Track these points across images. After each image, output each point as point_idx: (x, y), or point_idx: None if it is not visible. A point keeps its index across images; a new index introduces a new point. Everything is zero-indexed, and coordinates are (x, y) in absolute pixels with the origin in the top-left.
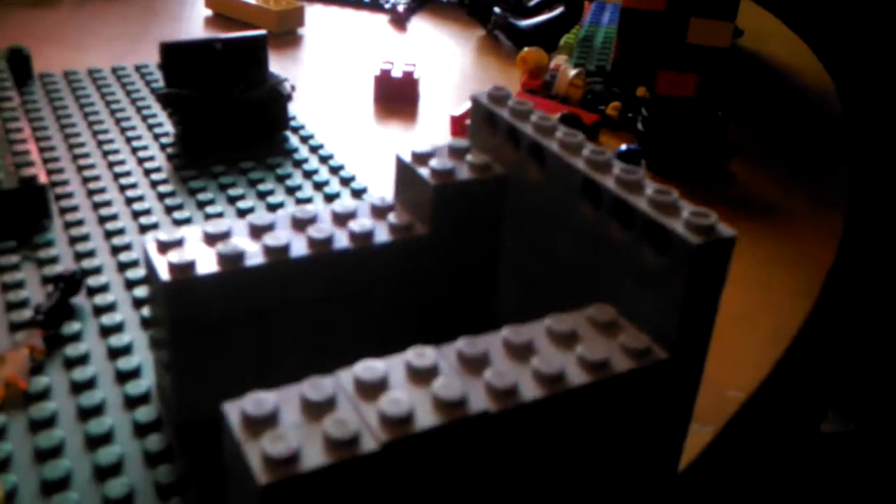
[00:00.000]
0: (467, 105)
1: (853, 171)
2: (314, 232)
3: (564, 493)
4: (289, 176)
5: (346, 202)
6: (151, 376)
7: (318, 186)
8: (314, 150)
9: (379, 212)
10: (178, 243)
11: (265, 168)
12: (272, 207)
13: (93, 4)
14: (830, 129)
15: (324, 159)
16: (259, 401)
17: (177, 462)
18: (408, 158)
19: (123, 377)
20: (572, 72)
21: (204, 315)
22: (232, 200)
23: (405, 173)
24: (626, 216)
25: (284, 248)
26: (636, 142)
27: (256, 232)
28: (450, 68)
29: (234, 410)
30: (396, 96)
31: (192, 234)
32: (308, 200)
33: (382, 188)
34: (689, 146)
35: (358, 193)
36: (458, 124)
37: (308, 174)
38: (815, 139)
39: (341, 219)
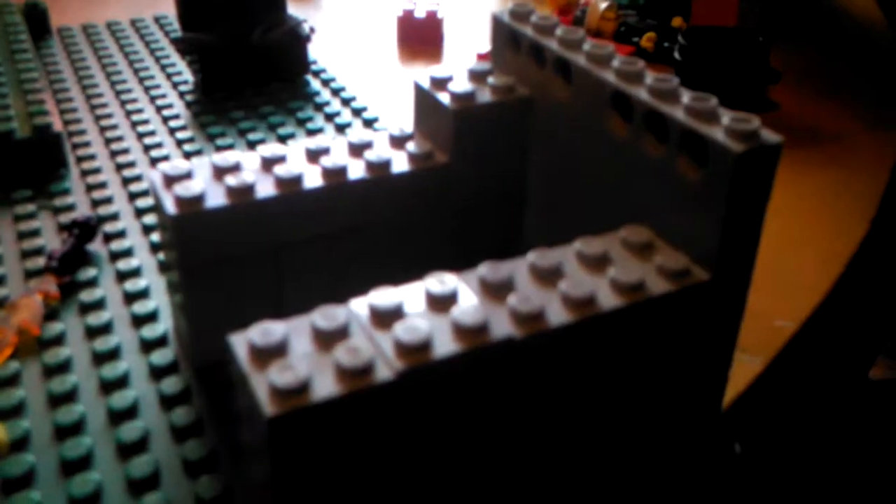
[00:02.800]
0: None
1: None
2: (328, 162)
3: (596, 428)
4: (310, 119)
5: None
6: (168, 320)
7: (341, 129)
8: (335, 92)
9: (397, 141)
10: (185, 176)
11: (285, 112)
12: None
13: None
14: (877, 54)
15: (345, 102)
16: (266, 331)
17: (194, 404)
18: (426, 84)
19: (139, 321)
20: (603, 4)
21: (215, 251)
22: (252, 145)
23: (423, 100)
24: (660, 128)
25: (297, 179)
26: (673, 73)
27: (267, 164)
28: (474, 7)
29: (240, 341)
30: (420, 38)
31: (201, 167)
32: None
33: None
34: (729, 74)
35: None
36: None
37: (329, 117)
38: (860, 63)
39: (357, 149)
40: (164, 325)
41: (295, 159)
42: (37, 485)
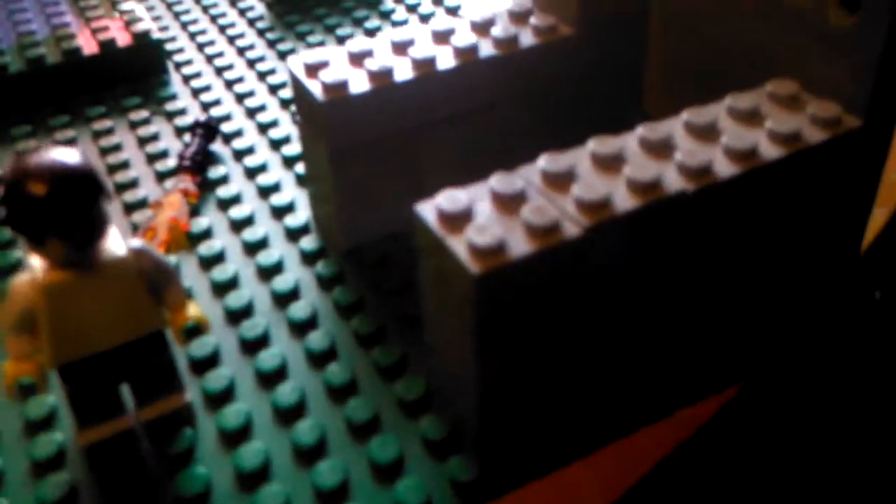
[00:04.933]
0: None
1: None
2: (458, 42)
3: (752, 275)
4: (393, 11)
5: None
6: (305, 211)
7: (424, 19)
8: None
9: (519, 17)
10: (325, 64)
11: (367, 6)
12: None
13: None
14: None
15: None
16: (453, 197)
17: (350, 283)
18: None
19: (279, 212)
20: None
21: (358, 135)
22: (341, 40)
23: None
24: None
25: (431, 61)
26: None
27: (399, 48)
28: None
29: (428, 208)
30: None
31: (338, 55)
32: None
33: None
34: None
35: None
36: None
37: (411, 8)
38: None
39: (481, 27)
40: (304, 214)
41: (424, 42)
42: (223, 363)
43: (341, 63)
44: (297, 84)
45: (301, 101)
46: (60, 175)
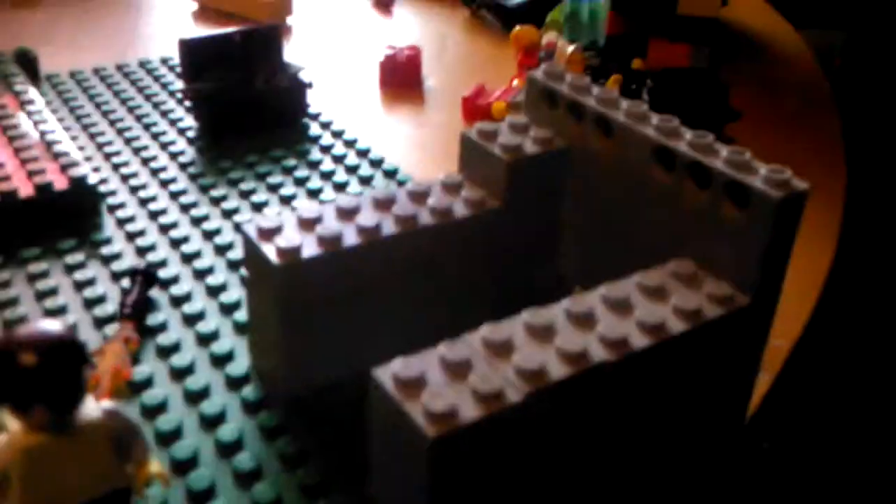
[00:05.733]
0: (472, 86)
1: (847, 129)
2: (399, 211)
3: (656, 434)
4: (320, 162)
5: (386, 185)
6: (245, 358)
7: (351, 170)
8: (337, 135)
9: (451, 188)
10: (278, 228)
11: (296, 155)
12: (312, 193)
13: (74, 4)
14: (816, 92)
15: (349, 143)
16: (407, 364)
17: (293, 435)
18: (474, 136)
19: (219, 361)
20: (570, 48)
21: (308, 294)
22: (273, 188)
23: (473, 150)
24: (701, 177)
25: (377, 228)
26: None
27: (345, 214)
28: (445, 50)
29: (385, 374)
30: (401, 80)
31: (288, 220)
32: (345, 184)
33: (411, 168)
34: (695, 113)
35: (390, 174)
36: (469, 105)
37: (338, 159)
38: (803, 98)
39: (418, 197)
40: (244, 362)
41: (367, 209)
42: None
43: (293, 228)
44: (250, 247)
45: (253, 263)
46: (49, 345)
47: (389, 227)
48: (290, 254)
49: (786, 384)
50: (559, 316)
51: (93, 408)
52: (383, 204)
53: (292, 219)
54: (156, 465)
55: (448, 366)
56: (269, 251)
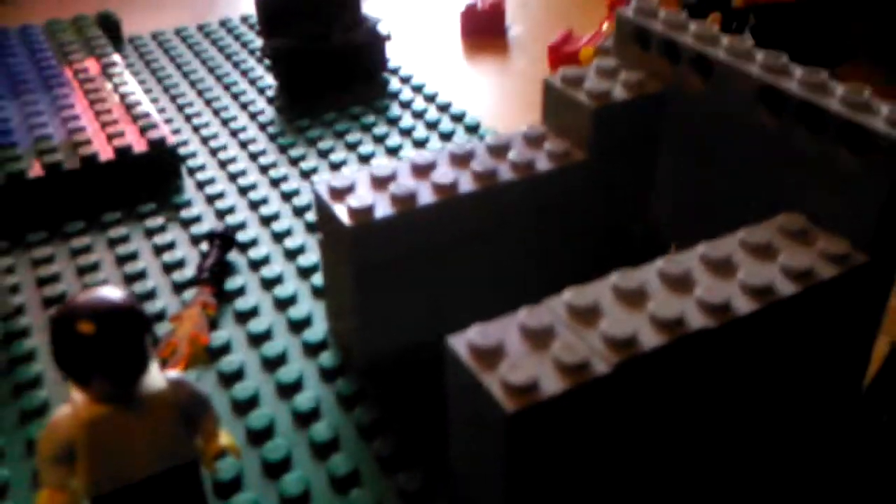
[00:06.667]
0: (559, 33)
1: None
2: (477, 166)
3: (768, 403)
4: (399, 118)
5: (468, 140)
6: (322, 323)
7: (431, 126)
8: (417, 89)
9: (533, 141)
10: (350, 188)
11: (375, 112)
12: (391, 151)
13: None
14: None
15: (429, 98)
16: (484, 332)
17: (370, 403)
18: (558, 83)
19: (297, 326)
20: None
21: (382, 256)
22: (351, 147)
23: (556, 98)
24: (814, 120)
25: (453, 185)
26: None
27: (420, 171)
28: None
29: (461, 343)
30: (484, 29)
31: (361, 178)
32: (425, 141)
33: (494, 121)
34: (807, 51)
35: (472, 129)
36: (556, 53)
37: (417, 114)
38: None
39: (498, 151)
40: (321, 328)
41: (444, 165)
42: (246, 487)
43: (365, 187)
44: (322, 207)
45: (326, 223)
46: (108, 314)
47: (467, 184)
48: (363, 214)
49: None
50: (652, 278)
51: (159, 378)
52: (461, 159)
53: (365, 177)
54: (226, 437)
55: (528, 333)
56: (341, 211)
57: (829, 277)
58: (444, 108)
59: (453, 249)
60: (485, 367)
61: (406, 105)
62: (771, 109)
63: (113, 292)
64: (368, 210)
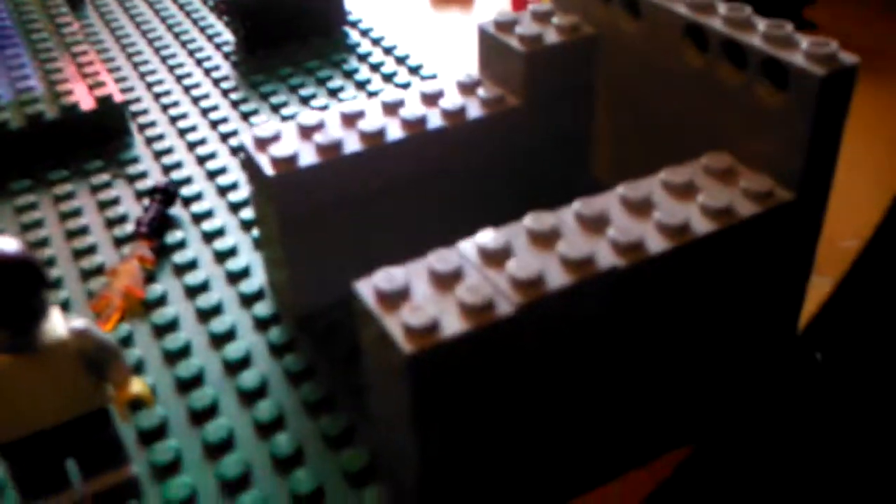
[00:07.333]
0: None
1: None
2: (406, 114)
3: (685, 347)
4: (356, 71)
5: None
6: (261, 274)
7: (387, 78)
8: (376, 42)
9: (467, 88)
10: (275, 138)
11: (330, 65)
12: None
13: None
14: None
15: (387, 51)
16: (389, 276)
17: (302, 351)
18: (491, 28)
19: (234, 278)
20: None
21: (309, 206)
22: (304, 101)
23: (490, 44)
24: (737, 56)
25: (380, 133)
26: None
27: (348, 120)
28: None
29: (366, 287)
30: None
31: (287, 128)
32: (379, 93)
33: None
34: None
35: (430, 80)
36: (520, 4)
37: (374, 67)
38: None
39: (430, 98)
40: (259, 279)
41: (374, 114)
42: (170, 434)
43: (291, 136)
44: (248, 157)
45: (253, 174)
46: (1, 266)
47: (395, 132)
48: (285, 163)
49: (852, 290)
50: (567, 219)
51: (61, 328)
52: (391, 107)
53: (292, 127)
54: (138, 385)
55: (435, 276)
56: (264, 161)
57: (750, 215)
58: (401, 61)
59: (382, 199)
60: (388, 310)
61: (363, 58)
62: (698, 46)
63: (7, 243)
64: (291, 159)
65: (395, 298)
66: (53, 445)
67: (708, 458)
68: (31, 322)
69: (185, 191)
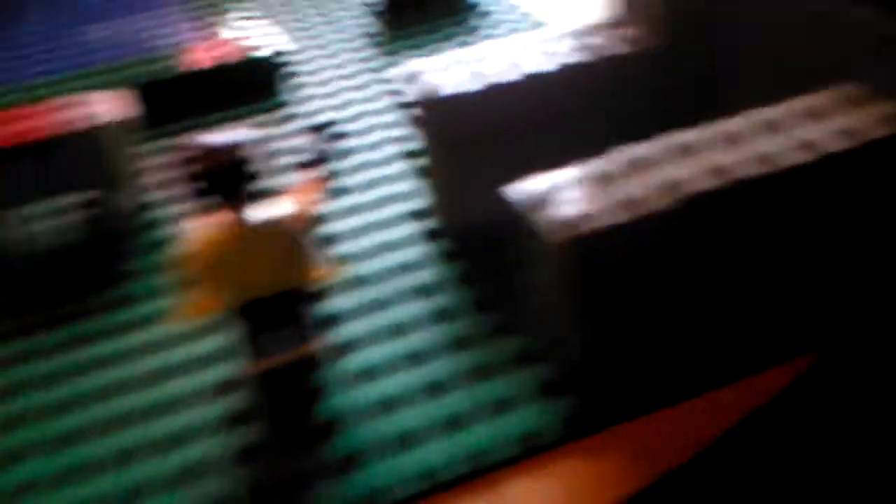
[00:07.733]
0: None
1: None
2: (555, 49)
3: (816, 262)
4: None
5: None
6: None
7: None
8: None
9: (611, 28)
10: (430, 70)
11: (467, 32)
12: None
13: None
14: None
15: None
16: (539, 180)
17: (465, 259)
18: None
19: (401, 198)
20: None
21: (462, 132)
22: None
23: None
24: None
25: (532, 65)
26: None
27: (501, 55)
28: None
29: (519, 190)
30: None
31: (441, 61)
32: None
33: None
34: None
35: None
36: None
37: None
38: None
39: (578, 37)
40: (424, 201)
41: (524, 49)
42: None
43: (446, 67)
44: (410, 85)
45: (412, 102)
46: (241, 144)
47: (547, 66)
48: (442, 91)
49: None
50: (706, 136)
51: (281, 207)
52: (540, 44)
53: (446, 59)
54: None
55: (585, 179)
56: (421, 89)
57: (880, 136)
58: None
59: (532, 128)
60: (537, 208)
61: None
62: None
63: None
64: (446, 88)
65: (546, 197)
66: (275, 311)
67: (833, 368)
68: (244, 194)
69: (351, 127)
